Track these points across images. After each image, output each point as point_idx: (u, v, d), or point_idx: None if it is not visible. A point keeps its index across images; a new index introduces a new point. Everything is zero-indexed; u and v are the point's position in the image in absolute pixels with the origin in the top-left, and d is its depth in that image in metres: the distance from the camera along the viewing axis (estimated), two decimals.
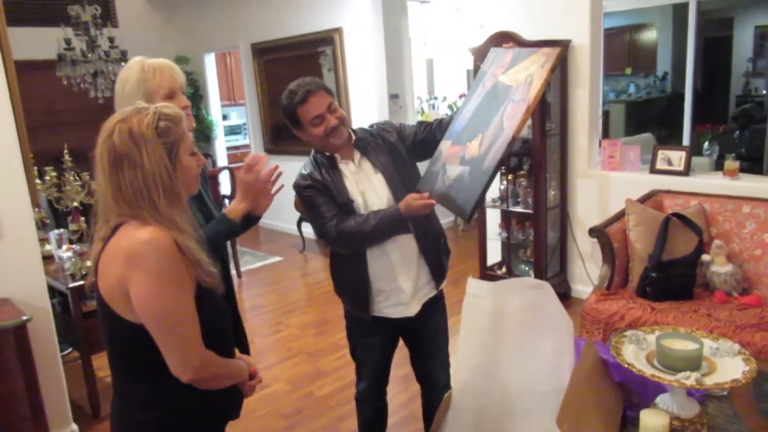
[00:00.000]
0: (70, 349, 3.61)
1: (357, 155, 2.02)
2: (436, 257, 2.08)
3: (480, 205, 1.70)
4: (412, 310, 2.06)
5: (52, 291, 3.04)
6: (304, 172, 2.02)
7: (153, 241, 1.24)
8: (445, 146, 1.93)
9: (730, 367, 1.34)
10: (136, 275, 1.23)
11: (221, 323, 1.43)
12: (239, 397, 1.51)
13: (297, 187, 2.01)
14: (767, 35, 7.85)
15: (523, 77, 1.73)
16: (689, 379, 1.27)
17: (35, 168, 2.86)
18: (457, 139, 1.89)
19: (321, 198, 1.97)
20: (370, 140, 2.04)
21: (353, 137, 2.03)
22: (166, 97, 1.70)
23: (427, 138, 2.05)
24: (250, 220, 1.77)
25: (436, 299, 2.13)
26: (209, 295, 1.35)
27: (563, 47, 1.77)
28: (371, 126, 2.12)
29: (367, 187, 1.99)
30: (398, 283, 2.02)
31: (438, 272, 2.10)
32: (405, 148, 2.05)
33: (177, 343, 1.27)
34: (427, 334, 2.17)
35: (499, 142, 1.67)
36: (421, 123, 2.11)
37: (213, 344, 1.35)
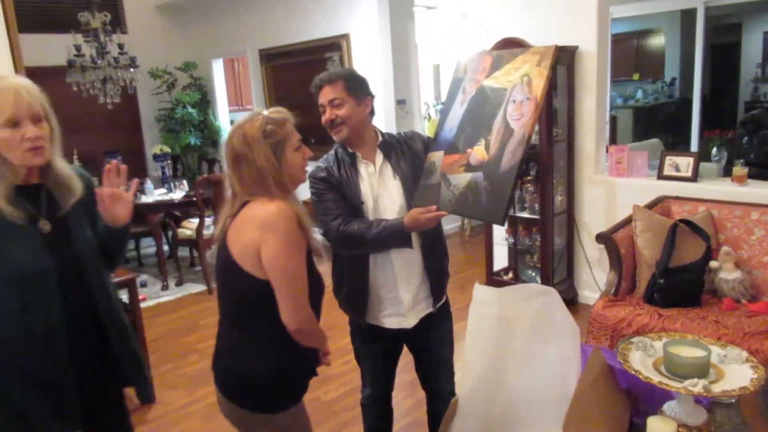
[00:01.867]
0: None
1: (380, 158, 2.02)
2: (438, 275, 2.08)
3: (510, 206, 1.70)
4: (410, 322, 2.05)
5: None
6: (321, 164, 2.03)
7: (282, 212, 1.53)
8: (437, 157, 1.91)
9: (738, 374, 1.33)
10: (269, 238, 1.52)
11: (319, 286, 1.69)
12: (317, 359, 1.78)
13: (312, 177, 2.01)
14: None
15: (517, 77, 1.73)
16: (697, 386, 1.27)
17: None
18: (450, 148, 1.87)
19: (331, 194, 1.97)
20: (395, 145, 2.05)
21: (379, 138, 2.04)
22: (5, 125, 1.49)
23: None
24: (113, 232, 1.73)
25: (440, 310, 2.12)
26: (312, 261, 1.64)
27: (555, 45, 1.77)
28: (399, 133, 2.13)
29: (382, 191, 1.99)
30: (398, 293, 2.01)
31: (437, 291, 2.09)
32: None
33: (293, 296, 1.56)
34: (431, 346, 2.15)
35: (513, 142, 1.66)
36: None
37: (312, 305, 1.63)
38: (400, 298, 2.01)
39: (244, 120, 1.63)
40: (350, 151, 2.01)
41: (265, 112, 1.63)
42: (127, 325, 1.80)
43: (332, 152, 2.05)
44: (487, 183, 1.70)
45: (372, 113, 2.04)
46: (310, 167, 1.96)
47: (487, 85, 1.84)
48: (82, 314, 1.64)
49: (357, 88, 1.98)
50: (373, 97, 2.03)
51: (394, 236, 1.88)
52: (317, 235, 1.63)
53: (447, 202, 1.81)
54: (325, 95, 1.94)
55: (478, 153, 1.76)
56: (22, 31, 2.67)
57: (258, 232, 1.53)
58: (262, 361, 1.62)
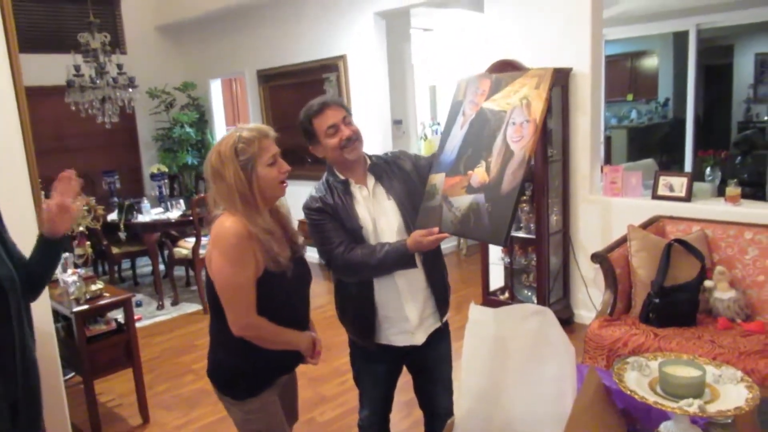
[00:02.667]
0: (72, 374, 3.60)
1: (371, 181, 2.02)
2: (442, 290, 2.10)
3: (512, 228, 1.71)
4: (418, 339, 2.05)
5: (56, 315, 3.05)
6: (315, 194, 2.02)
7: (229, 228, 1.68)
8: (438, 179, 1.93)
9: (733, 394, 1.33)
10: (214, 252, 1.71)
11: (287, 300, 1.82)
12: (293, 359, 1.90)
13: (306, 208, 2.01)
14: None
15: (516, 100, 1.75)
16: (692, 406, 1.27)
17: (43, 192, 2.88)
18: (451, 171, 1.89)
19: (330, 224, 1.96)
20: (385, 167, 2.05)
21: (368, 162, 2.05)
22: None
23: None
24: (50, 245, 1.76)
25: (440, 328, 2.13)
26: (278, 278, 1.74)
27: (553, 68, 1.81)
28: (386, 154, 2.14)
29: (379, 213, 2.00)
30: (404, 311, 2.02)
31: (442, 304, 2.11)
32: (419, 177, 2.05)
33: (232, 306, 1.72)
34: (430, 363, 2.16)
35: (514, 164, 1.68)
36: (435, 155, 2.13)
37: (278, 316, 1.77)
38: (407, 315, 2.02)
39: (224, 137, 1.78)
40: (342, 177, 2.01)
41: (239, 131, 1.75)
42: (35, 363, 1.77)
43: (323, 181, 2.05)
44: (489, 205, 1.71)
45: None
46: (296, 203, 1.98)
47: (487, 108, 1.85)
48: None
49: (350, 111, 2.02)
50: None
51: (399, 259, 1.89)
52: (283, 258, 1.74)
53: (449, 224, 1.82)
54: (334, 115, 1.94)
55: (479, 175, 1.77)
56: (23, 51, 2.69)
57: (210, 244, 1.76)
58: (226, 352, 1.82)
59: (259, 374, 1.83)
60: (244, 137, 1.73)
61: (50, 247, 1.77)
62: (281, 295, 1.80)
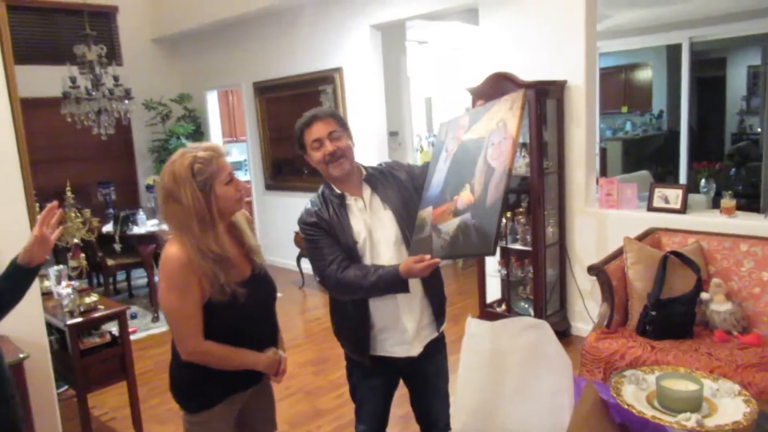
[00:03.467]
0: (66, 387, 3.57)
1: (367, 191, 2.02)
2: (438, 300, 2.10)
3: (499, 236, 1.72)
4: (415, 350, 2.04)
5: (50, 327, 3.02)
6: (310, 207, 2.02)
7: (171, 256, 1.68)
8: (426, 213, 1.94)
9: (730, 408, 1.33)
10: (160, 279, 1.73)
11: (243, 323, 1.80)
12: (250, 377, 1.88)
13: (302, 222, 2.01)
14: (760, 74, 8.01)
15: (493, 124, 1.80)
16: (690, 420, 1.26)
17: (37, 203, 2.88)
18: (438, 202, 1.91)
19: (325, 240, 1.96)
20: (380, 177, 2.06)
21: (363, 173, 2.05)
22: None
23: None
24: (24, 272, 1.79)
25: (437, 340, 2.13)
26: (227, 305, 1.72)
27: (525, 88, 1.88)
28: (380, 164, 2.14)
29: (376, 224, 1.99)
30: (401, 322, 2.01)
31: (440, 314, 2.11)
32: (414, 187, 2.06)
33: (175, 332, 1.74)
34: (427, 376, 2.15)
35: (495, 178, 1.70)
36: (428, 164, 2.14)
37: (233, 338, 1.77)
38: (405, 326, 2.01)
39: (175, 158, 1.73)
40: (337, 191, 2.01)
41: (193, 150, 1.72)
42: (14, 394, 1.78)
43: (319, 193, 2.04)
44: (476, 220, 1.72)
45: None
46: (291, 214, 1.98)
47: (467, 139, 1.90)
48: None
49: (346, 125, 2.03)
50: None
51: (391, 284, 1.88)
52: (227, 286, 1.72)
53: (439, 249, 1.83)
54: (320, 130, 1.94)
55: (464, 198, 1.79)
56: (19, 63, 2.69)
57: (159, 271, 1.76)
58: (180, 365, 1.82)
59: (213, 390, 1.82)
60: (201, 157, 1.69)
61: (24, 274, 1.79)
62: (234, 319, 1.78)
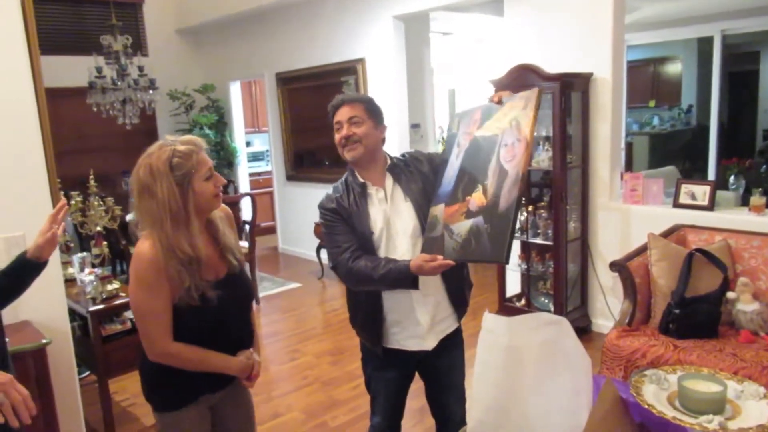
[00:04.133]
0: (88, 373, 3.63)
1: (389, 181, 2.02)
2: (457, 290, 2.06)
3: (511, 244, 1.70)
4: (429, 344, 2.03)
5: (73, 314, 3.07)
6: (332, 194, 2.03)
7: (142, 253, 1.62)
8: (438, 210, 1.93)
9: (755, 411, 1.29)
10: (129, 277, 1.66)
11: (214, 325, 1.73)
12: (221, 379, 1.80)
13: (322, 207, 2.02)
14: None
15: (506, 123, 1.77)
16: (712, 422, 1.23)
17: (61, 192, 2.92)
18: (450, 200, 1.89)
19: (341, 227, 1.97)
20: (404, 168, 2.05)
21: (388, 162, 2.05)
22: None
23: None
24: (33, 267, 1.80)
25: (454, 333, 2.10)
26: (195, 309, 1.66)
27: (540, 88, 1.83)
28: (403, 155, 2.13)
29: (394, 215, 1.99)
30: (415, 314, 1.99)
31: (459, 305, 2.08)
32: (435, 178, 2.04)
33: (143, 331, 1.68)
34: (443, 370, 2.13)
35: (508, 183, 1.69)
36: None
37: (203, 340, 1.71)
38: (418, 319, 2.00)
39: (152, 150, 1.65)
40: (360, 180, 2.01)
41: (172, 143, 1.65)
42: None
43: (342, 180, 2.06)
44: (488, 226, 1.71)
45: (383, 141, 2.07)
46: (311, 204, 1.97)
47: (480, 135, 1.88)
48: None
49: (376, 112, 2.03)
50: (386, 127, 2.08)
51: (400, 279, 1.86)
52: (194, 291, 1.66)
53: (451, 251, 1.81)
54: (344, 113, 1.97)
55: (476, 199, 1.78)
56: (46, 53, 2.73)
57: (129, 267, 1.69)
58: (146, 366, 1.76)
59: (181, 389, 1.76)
60: (180, 151, 1.62)
61: (32, 268, 1.81)
62: (205, 321, 1.71)
